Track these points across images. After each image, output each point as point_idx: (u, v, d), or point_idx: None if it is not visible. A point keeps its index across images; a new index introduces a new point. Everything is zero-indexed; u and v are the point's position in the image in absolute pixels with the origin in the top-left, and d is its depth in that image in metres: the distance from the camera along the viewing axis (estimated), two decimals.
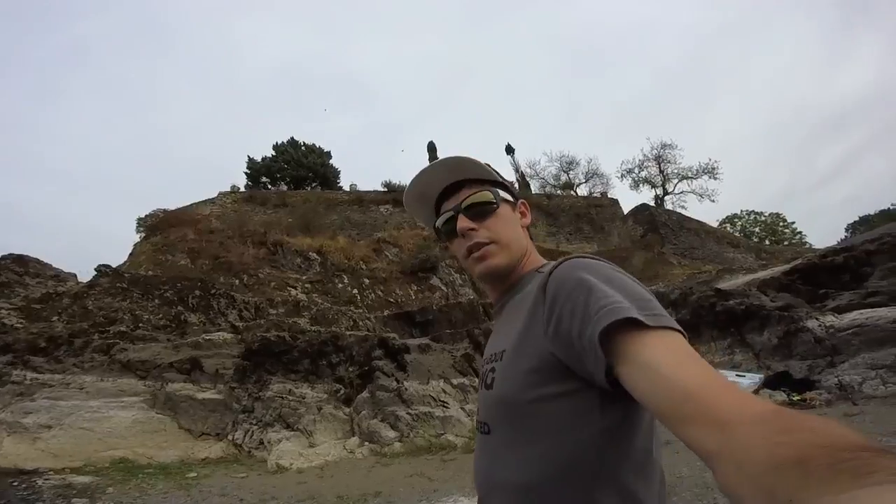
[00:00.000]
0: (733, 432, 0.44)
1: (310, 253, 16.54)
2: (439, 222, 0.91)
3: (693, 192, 28.43)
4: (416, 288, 18.04)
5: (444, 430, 7.91)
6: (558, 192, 27.09)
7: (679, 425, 0.51)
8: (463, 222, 0.85)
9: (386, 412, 7.65)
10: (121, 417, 7.81)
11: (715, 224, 30.15)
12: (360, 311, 15.36)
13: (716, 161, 28.52)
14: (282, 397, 7.98)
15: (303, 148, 24.15)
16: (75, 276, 15.45)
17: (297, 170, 22.86)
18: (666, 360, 0.56)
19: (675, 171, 28.66)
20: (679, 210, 26.83)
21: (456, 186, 0.90)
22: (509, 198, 0.90)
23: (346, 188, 22.80)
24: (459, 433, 7.61)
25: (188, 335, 11.42)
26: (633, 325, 0.59)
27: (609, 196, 27.25)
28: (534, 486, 0.68)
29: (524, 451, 0.70)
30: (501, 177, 0.92)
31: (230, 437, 7.67)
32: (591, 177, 29.29)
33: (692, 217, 25.50)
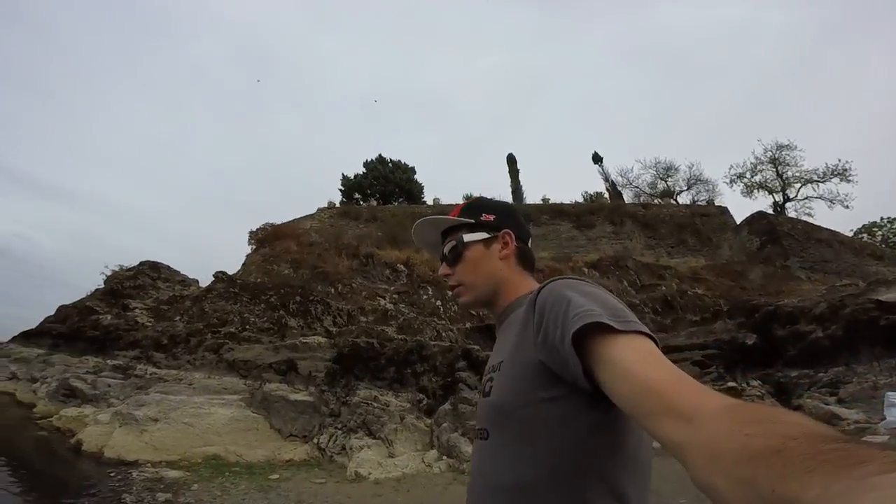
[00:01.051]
0: (700, 424, 0.44)
1: (397, 265, 16.53)
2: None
3: (821, 197, 23.96)
4: None
5: None
6: (656, 201, 24.50)
7: (646, 419, 0.53)
8: (441, 270, 1.02)
9: (467, 426, 6.93)
10: (220, 414, 7.93)
11: (849, 234, 25.18)
12: (444, 322, 14.87)
13: (847, 162, 23.71)
14: (367, 403, 7.60)
15: (390, 164, 24.80)
16: (197, 281, 16.95)
17: (385, 185, 23.51)
18: (631, 359, 0.59)
19: (797, 174, 24.43)
20: (805, 218, 22.79)
21: (446, 234, 1.04)
22: (481, 237, 0.97)
23: (430, 202, 22.77)
24: None
25: (287, 338, 11.68)
26: (604, 329, 0.63)
27: (717, 204, 24.04)
28: (527, 486, 0.70)
29: (518, 454, 0.73)
30: (481, 216, 0.99)
31: (315, 441, 7.44)
32: (694, 184, 26.07)
33: (821, 226, 21.51)
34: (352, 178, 24.51)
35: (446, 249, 0.99)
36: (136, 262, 16.13)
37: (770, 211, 23.19)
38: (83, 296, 15.33)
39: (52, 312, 15.13)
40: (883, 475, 0.27)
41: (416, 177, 25.10)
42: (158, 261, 16.70)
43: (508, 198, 23.23)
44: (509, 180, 24.46)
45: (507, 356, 0.81)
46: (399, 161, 25.26)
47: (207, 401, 8.33)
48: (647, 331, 0.65)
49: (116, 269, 15.67)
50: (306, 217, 21.27)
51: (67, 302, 15.25)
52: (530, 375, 0.74)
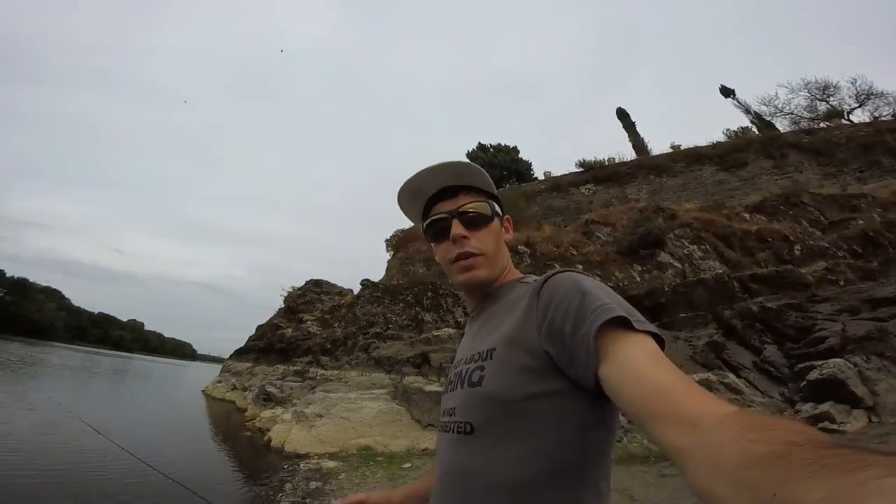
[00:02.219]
0: (704, 431, 0.44)
1: (518, 246, 16.19)
2: (429, 221, 0.89)
3: None
4: (639, 268, 15.44)
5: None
6: (822, 124, 19.32)
7: (649, 422, 0.52)
8: (458, 228, 0.84)
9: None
10: (370, 408, 8.78)
11: None
12: None
13: None
14: None
15: (491, 150, 24.42)
16: (352, 290, 19.13)
17: (491, 171, 22.80)
18: (642, 360, 0.57)
19: None
20: None
21: (453, 191, 0.87)
22: (499, 212, 0.90)
23: (541, 177, 21.61)
24: None
25: (423, 332, 12.43)
26: (620, 326, 0.61)
27: None
28: (522, 485, 0.66)
29: (514, 450, 0.68)
30: (496, 191, 0.91)
31: None
32: (866, 99, 19.89)
33: None
34: None
35: (474, 208, 0.85)
36: (303, 282, 19.00)
37: None
38: (271, 315, 18.68)
39: (254, 332, 18.79)
40: (885, 479, 0.27)
41: (520, 155, 24.38)
42: (320, 278, 19.37)
43: (630, 154, 20.84)
44: (627, 135, 21.90)
45: (503, 343, 0.73)
46: (499, 144, 24.84)
47: (360, 396, 9.31)
48: (656, 330, 0.62)
49: (290, 289, 18.66)
50: None
51: (262, 322, 18.75)
52: (533, 366, 0.68)
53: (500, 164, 23.42)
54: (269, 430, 9.31)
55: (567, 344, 0.64)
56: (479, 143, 25.20)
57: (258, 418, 10.65)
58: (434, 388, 8.90)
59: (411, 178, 0.88)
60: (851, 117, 19.63)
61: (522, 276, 0.88)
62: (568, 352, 0.64)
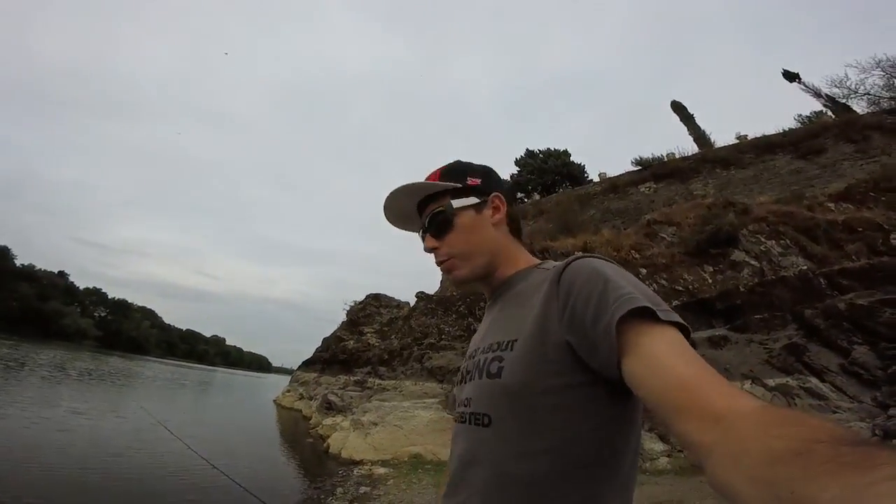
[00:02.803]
0: (729, 426, 0.43)
1: (575, 252, 15.64)
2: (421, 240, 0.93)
3: None
4: (711, 269, 14.33)
5: None
6: None
7: (673, 416, 0.50)
8: (427, 242, 0.88)
9: (655, 420, 5.94)
10: (421, 417, 8.87)
11: None
12: None
13: None
14: None
15: (540, 155, 23.84)
16: (409, 303, 19.51)
17: (542, 177, 22.57)
18: (667, 352, 0.55)
19: None
20: None
21: (421, 206, 0.90)
22: (471, 202, 0.85)
23: (596, 178, 20.75)
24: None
25: None
26: (644, 316, 0.59)
27: None
28: (539, 478, 0.64)
29: (534, 443, 0.66)
30: (467, 179, 0.86)
31: None
32: None
33: None
34: (508, 179, 24.68)
35: (429, 218, 0.86)
36: (364, 296, 19.70)
37: None
38: (335, 328, 19.51)
39: (320, 344, 19.71)
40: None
41: (572, 158, 23.65)
42: (379, 292, 19.98)
43: (692, 148, 19.50)
44: (686, 129, 20.49)
45: (523, 334, 0.71)
46: (549, 149, 24.23)
47: (413, 405, 9.44)
48: (681, 321, 0.60)
49: (352, 304, 19.43)
50: None
51: (328, 335, 19.63)
52: (555, 358, 0.66)
53: (551, 168, 22.90)
54: (329, 437, 9.68)
55: (589, 334, 0.62)
56: (528, 149, 24.86)
57: (320, 426, 11.12)
58: None
59: (385, 206, 0.90)
60: None
61: (540, 261, 0.86)
62: (589, 342, 0.62)
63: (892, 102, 17.45)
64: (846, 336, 6.89)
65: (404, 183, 0.86)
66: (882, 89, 18.72)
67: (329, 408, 12.06)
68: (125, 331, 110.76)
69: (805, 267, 12.20)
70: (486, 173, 0.89)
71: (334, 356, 16.68)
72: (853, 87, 19.09)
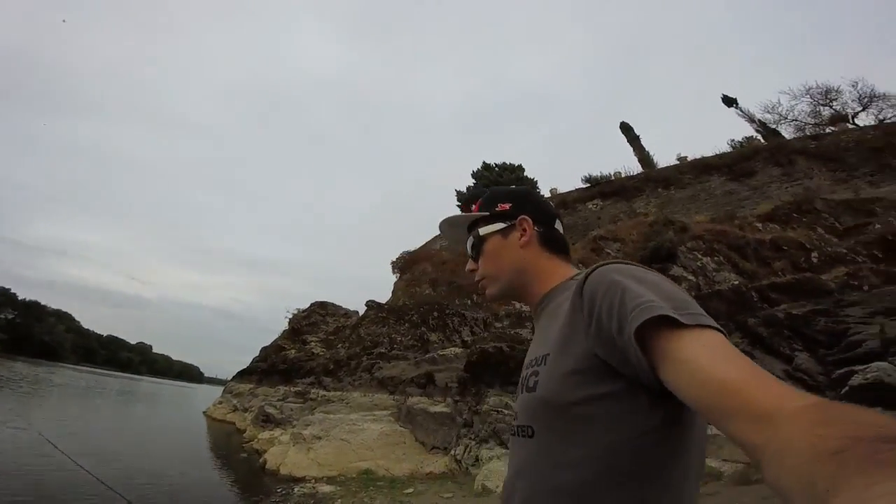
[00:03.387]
0: (777, 426, 0.42)
1: None
2: None
3: None
4: None
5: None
6: (827, 129, 18.86)
7: (721, 420, 0.49)
8: (468, 266, 0.97)
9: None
10: (371, 430, 8.25)
11: None
12: None
13: None
14: (497, 411, 7.05)
15: (496, 169, 24.27)
16: (357, 312, 18.70)
17: None
18: (703, 356, 0.53)
19: None
20: None
21: (469, 230, 0.98)
22: (497, 227, 0.92)
23: (547, 193, 21.32)
24: (727, 455, 5.09)
25: (429, 352, 11.92)
26: (669, 323, 0.57)
27: None
28: (583, 487, 0.64)
29: (572, 453, 0.66)
30: (496, 206, 0.94)
31: (453, 453, 7.14)
32: (869, 102, 19.47)
33: None
34: (464, 191, 24.65)
35: (468, 246, 0.96)
36: (308, 304, 18.63)
37: None
38: (276, 338, 18.25)
39: (258, 354, 18.35)
40: None
41: (525, 174, 24.11)
42: (325, 300, 18.98)
43: (636, 168, 20.47)
44: (632, 149, 21.56)
45: (553, 348, 0.72)
46: (504, 163, 24.67)
47: (361, 417, 8.78)
48: (713, 323, 0.58)
49: (295, 311, 18.29)
50: (435, 238, 21.91)
51: (266, 344, 18.32)
52: (584, 369, 0.65)
53: (505, 182, 23.16)
54: (266, 451, 8.79)
55: (617, 344, 0.61)
56: (484, 162, 25.09)
57: (256, 440, 10.12)
58: (440, 409, 8.36)
59: (444, 236, 1.07)
60: (857, 121, 19.20)
61: (576, 272, 0.87)
62: (619, 352, 0.61)
63: (817, 128, 19.32)
64: (787, 343, 7.18)
65: (446, 217, 0.99)
66: (808, 116, 20.71)
67: (266, 420, 11.05)
68: (36, 335, 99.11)
69: (737, 282, 12.96)
70: (518, 197, 0.94)
71: (273, 366, 15.52)
72: (784, 112, 21.01)
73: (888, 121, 17.89)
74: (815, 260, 12.87)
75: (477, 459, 6.56)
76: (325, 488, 6.24)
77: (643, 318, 0.56)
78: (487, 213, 0.93)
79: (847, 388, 5.43)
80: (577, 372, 0.66)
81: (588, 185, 19.95)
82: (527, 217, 0.91)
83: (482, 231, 0.92)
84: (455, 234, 1.01)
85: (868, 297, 8.80)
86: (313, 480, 6.83)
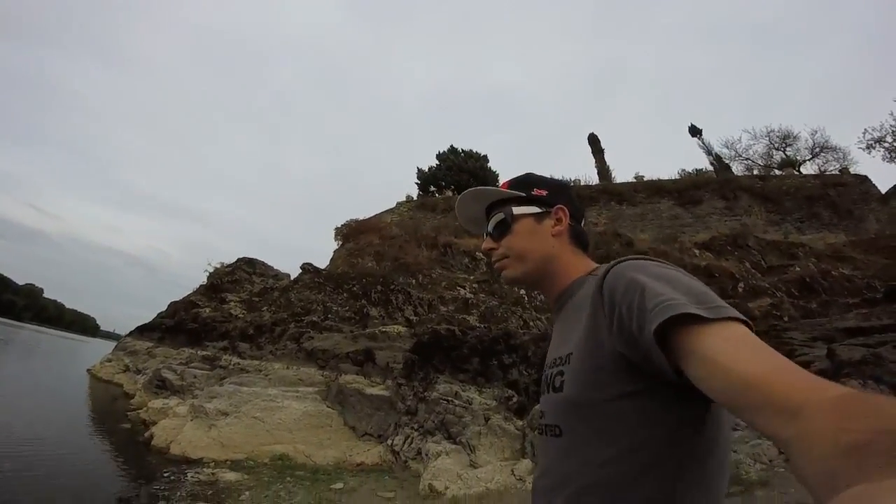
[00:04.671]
0: (804, 419, 0.41)
1: (476, 253, 15.12)
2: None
3: None
4: None
5: None
6: (775, 172, 20.31)
7: (747, 415, 0.49)
8: (485, 244, 0.92)
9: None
10: (292, 409, 6.92)
11: None
12: (529, 311, 13.07)
13: None
14: (447, 400, 6.09)
15: (462, 154, 23.77)
16: (289, 275, 16.86)
17: (458, 175, 22.42)
18: (724, 351, 0.52)
19: None
20: None
21: (487, 211, 0.94)
22: (532, 210, 0.88)
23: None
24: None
25: (368, 327, 10.72)
26: (690, 319, 0.56)
27: (853, 173, 19.37)
28: (612, 486, 0.63)
29: (602, 452, 0.65)
30: (532, 190, 0.90)
31: (389, 442, 6.07)
32: (820, 152, 21.29)
33: None
34: (426, 170, 23.75)
35: (493, 223, 0.89)
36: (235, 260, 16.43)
37: None
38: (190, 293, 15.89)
39: (165, 308, 15.86)
40: None
41: (489, 165, 23.70)
42: (254, 257, 16.89)
43: (595, 179, 20.63)
44: (594, 161, 21.81)
45: (578, 346, 0.70)
46: (471, 150, 24.11)
47: (281, 393, 7.40)
48: (739, 315, 0.57)
49: (217, 266, 16.03)
50: (386, 212, 20.67)
51: (174, 298, 15.90)
52: (610, 368, 0.64)
53: (469, 169, 22.49)
54: (155, 423, 7.13)
55: (640, 343, 0.59)
56: (452, 145, 24.23)
57: (145, 408, 8.31)
58: (377, 391, 7.24)
59: (458, 210, 0.97)
60: (802, 168, 20.75)
61: (596, 266, 0.84)
62: (642, 350, 0.59)
63: (766, 170, 20.53)
64: None
65: (475, 187, 0.92)
66: (760, 157, 22.03)
67: (162, 386, 9.21)
68: None
69: None
70: (556, 187, 0.91)
71: (181, 324, 13.34)
72: (740, 150, 22.22)
73: (828, 172, 19.49)
74: (740, 289, 13.48)
75: (419, 452, 5.55)
76: (229, 475, 4.89)
77: (663, 318, 0.55)
78: (523, 195, 0.89)
79: None
80: (602, 370, 0.65)
81: None
82: (564, 207, 0.88)
83: (516, 210, 0.88)
84: (471, 210, 0.95)
85: (800, 325, 9.10)
86: (213, 464, 5.42)
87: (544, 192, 0.88)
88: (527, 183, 0.90)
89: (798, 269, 14.07)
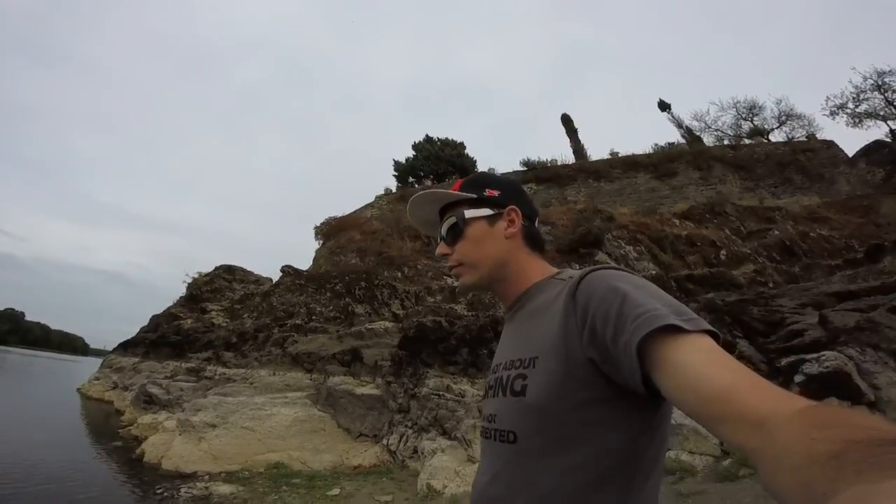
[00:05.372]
0: (772, 430, 0.42)
1: None
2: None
3: None
4: (578, 266, 14.91)
5: (669, 445, 5.09)
6: (745, 141, 20.67)
7: (716, 425, 0.49)
8: (439, 249, 0.89)
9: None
10: (283, 415, 6.83)
11: None
12: None
13: None
14: (438, 395, 6.06)
15: (438, 143, 23.45)
16: (271, 279, 16.57)
17: (436, 164, 22.18)
18: (700, 362, 0.53)
19: None
20: None
21: (441, 214, 0.91)
22: (484, 213, 0.86)
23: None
24: (702, 449, 4.67)
25: (355, 325, 10.62)
26: (669, 330, 0.56)
27: (819, 138, 19.83)
28: (568, 494, 0.63)
29: (562, 460, 0.64)
30: (484, 191, 0.87)
31: (385, 442, 6.04)
32: (786, 120, 21.73)
33: None
34: (403, 161, 23.44)
35: (445, 227, 0.87)
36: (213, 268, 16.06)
37: (888, 139, 18.85)
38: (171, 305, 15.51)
39: (147, 323, 15.48)
40: None
41: (466, 151, 23.48)
42: (233, 264, 16.54)
43: (571, 159, 20.67)
44: (569, 141, 21.82)
45: (543, 351, 0.68)
46: (447, 138, 23.85)
47: (269, 400, 7.27)
48: (712, 328, 0.58)
49: (196, 276, 15.66)
50: (366, 206, 20.41)
51: (158, 311, 15.52)
52: (579, 375, 0.64)
53: (446, 157, 22.25)
54: (145, 439, 6.97)
55: (611, 351, 0.59)
56: (427, 135, 23.87)
57: (136, 424, 8.13)
58: (367, 390, 7.18)
59: (410, 210, 0.93)
60: (771, 136, 21.15)
61: (559, 271, 0.83)
62: (612, 359, 0.60)
63: (735, 140, 20.85)
64: (728, 330, 7.08)
65: (425, 190, 0.90)
66: (729, 128, 22.36)
67: (149, 401, 9.01)
68: None
69: (654, 272, 13.36)
70: (508, 187, 0.89)
71: (163, 337, 13.03)
72: (709, 122, 22.50)
73: (796, 139, 19.90)
74: (723, 257, 13.69)
75: (415, 451, 5.53)
76: (223, 488, 4.80)
77: (650, 328, 0.55)
78: (475, 196, 0.86)
79: (803, 376, 5.32)
80: (570, 377, 0.64)
81: (525, 168, 19.72)
82: (516, 208, 0.86)
83: (468, 213, 0.85)
84: (424, 213, 0.92)
85: (786, 290, 9.26)
86: (207, 477, 5.32)
87: (496, 193, 0.86)
88: (479, 183, 0.88)
89: (777, 232, 14.38)
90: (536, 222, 0.90)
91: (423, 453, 5.31)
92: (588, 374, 0.63)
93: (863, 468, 0.29)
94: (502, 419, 0.71)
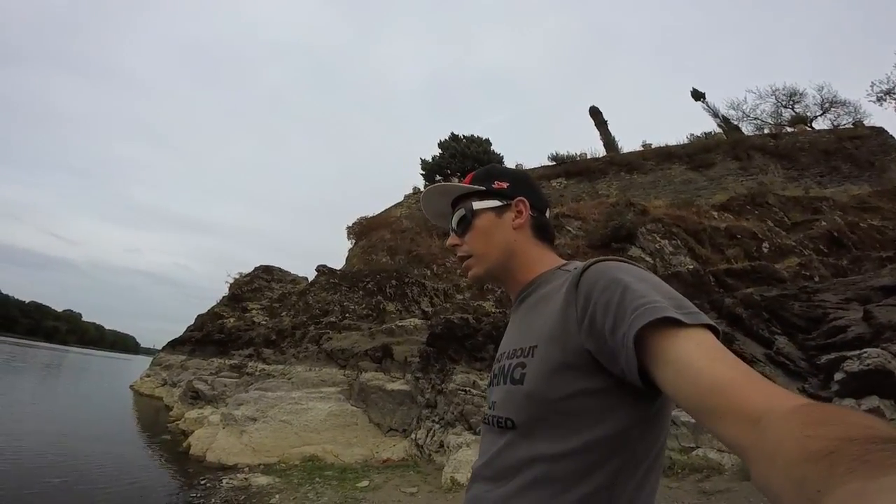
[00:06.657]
0: (766, 427, 0.42)
1: None
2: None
3: None
4: None
5: (695, 443, 4.99)
6: (787, 129, 19.51)
7: (710, 420, 0.50)
8: (450, 240, 0.91)
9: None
10: (318, 410, 7.08)
11: None
12: None
13: None
14: (465, 391, 6.12)
15: (463, 140, 23.34)
16: (307, 278, 17.13)
17: (462, 161, 22.06)
18: (697, 356, 0.53)
19: None
20: None
21: (454, 204, 0.93)
22: (492, 204, 0.87)
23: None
24: (723, 445, 4.53)
25: (385, 322, 10.85)
26: (668, 323, 0.56)
27: (868, 125, 18.42)
28: (564, 480, 0.64)
29: (555, 447, 0.65)
30: (493, 183, 0.89)
31: (413, 436, 6.17)
32: (830, 107, 20.32)
33: None
34: (430, 160, 23.52)
35: (455, 219, 0.89)
36: (252, 269, 16.77)
37: None
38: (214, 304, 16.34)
39: (193, 322, 16.37)
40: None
41: (492, 147, 23.32)
42: (271, 264, 17.21)
43: (601, 151, 20.17)
44: (598, 133, 21.28)
45: (543, 340, 0.69)
46: (472, 135, 23.68)
47: (305, 395, 7.57)
48: (711, 322, 0.57)
49: (237, 276, 16.40)
50: (396, 206, 20.71)
51: (203, 311, 16.37)
52: (576, 364, 0.64)
53: (472, 154, 22.22)
54: (192, 433, 7.42)
55: (608, 342, 0.60)
56: (452, 133, 23.84)
57: (183, 419, 8.66)
58: (397, 386, 7.34)
59: (423, 205, 0.95)
60: (814, 124, 19.92)
61: (564, 262, 0.83)
62: (609, 350, 0.60)
63: (775, 129, 19.79)
64: (766, 326, 6.77)
65: (436, 183, 0.97)
66: (769, 116, 21.25)
67: (195, 397, 9.55)
68: None
69: (692, 266, 12.83)
70: (517, 178, 0.90)
71: (208, 336, 13.75)
72: (747, 111, 21.46)
73: (842, 126, 18.64)
74: (765, 250, 12.98)
75: (441, 445, 5.62)
76: (261, 479, 5.07)
77: (648, 319, 0.55)
78: (483, 188, 0.88)
79: (844, 374, 5.04)
80: (568, 366, 0.65)
81: (554, 163, 19.41)
82: (524, 199, 0.87)
83: (476, 205, 0.87)
84: (437, 205, 0.95)
85: (830, 284, 8.73)
86: (247, 469, 5.61)
87: (505, 185, 0.87)
88: (488, 176, 0.89)
89: (824, 223, 13.54)
90: (547, 213, 0.90)
91: (448, 447, 5.40)
92: (584, 364, 0.64)
93: (857, 466, 0.30)
94: (501, 406, 0.73)
